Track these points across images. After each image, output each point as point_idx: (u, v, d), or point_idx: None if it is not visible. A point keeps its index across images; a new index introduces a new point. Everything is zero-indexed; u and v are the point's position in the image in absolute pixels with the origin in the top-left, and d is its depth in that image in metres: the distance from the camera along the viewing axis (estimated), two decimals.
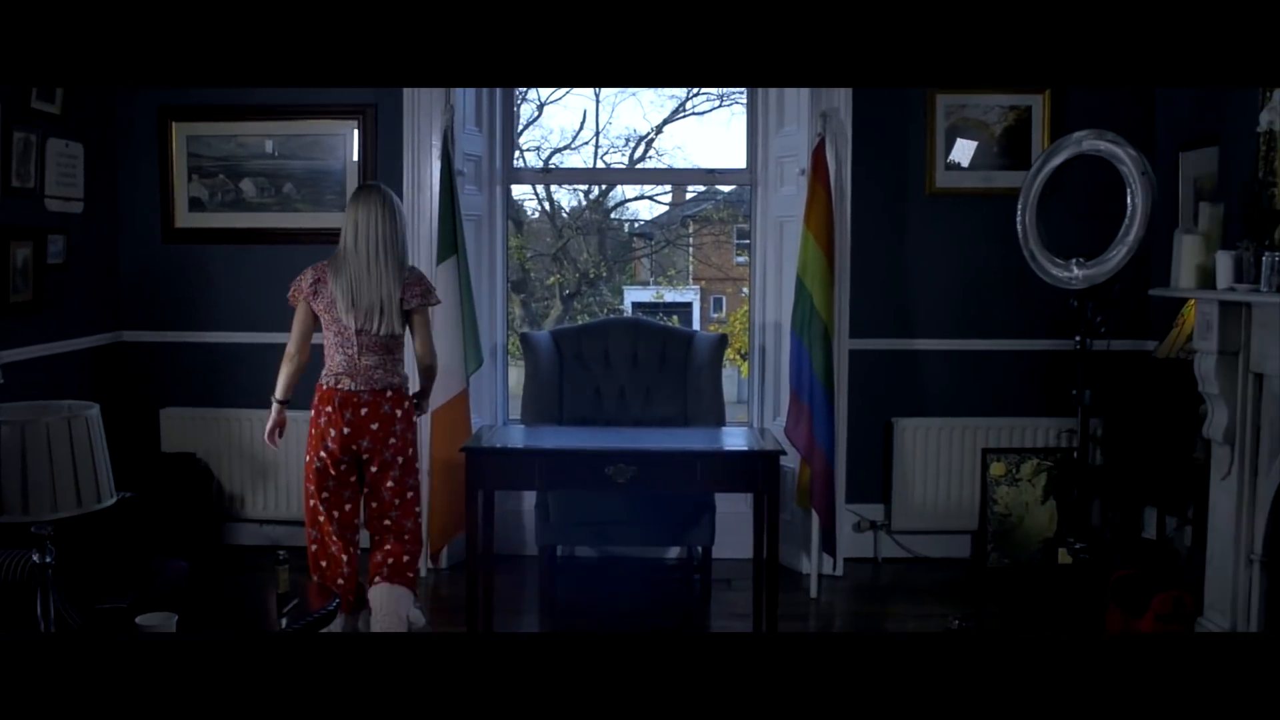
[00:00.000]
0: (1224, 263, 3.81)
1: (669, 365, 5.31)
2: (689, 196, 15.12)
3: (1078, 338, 4.08)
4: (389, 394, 4.10)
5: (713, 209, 14.66)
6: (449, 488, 5.01)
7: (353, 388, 4.08)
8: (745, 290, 14.92)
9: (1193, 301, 4.42)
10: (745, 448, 4.26)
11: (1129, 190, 3.60)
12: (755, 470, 4.07)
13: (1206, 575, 4.13)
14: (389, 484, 4.14)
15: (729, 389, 5.31)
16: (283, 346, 5.48)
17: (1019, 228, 3.97)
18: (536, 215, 14.26)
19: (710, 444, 4.36)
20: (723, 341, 5.25)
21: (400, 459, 4.12)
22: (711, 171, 5.71)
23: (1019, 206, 3.98)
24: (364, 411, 4.07)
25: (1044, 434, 5.34)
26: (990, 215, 5.33)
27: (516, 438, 4.44)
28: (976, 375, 5.41)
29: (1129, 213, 3.60)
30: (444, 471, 5.03)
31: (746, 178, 5.63)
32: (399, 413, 4.11)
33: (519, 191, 14.36)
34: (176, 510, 5.23)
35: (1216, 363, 3.88)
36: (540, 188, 13.11)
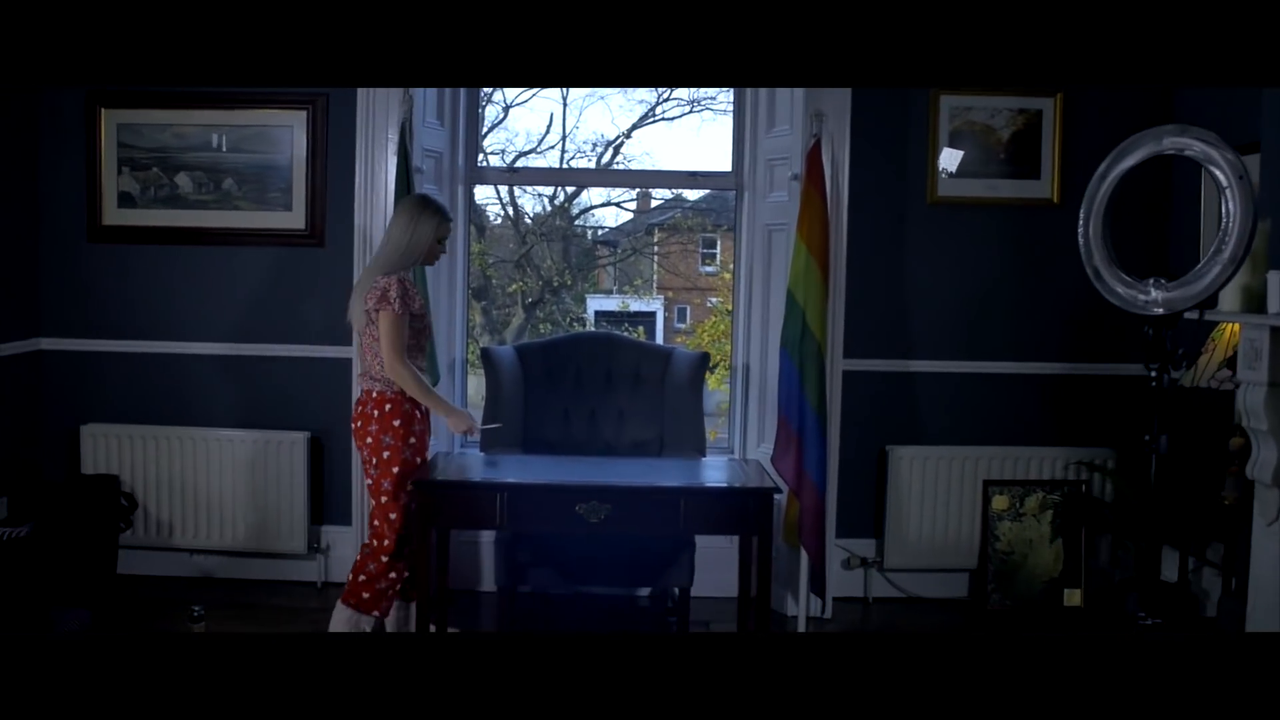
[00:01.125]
0: (1277, 284, 3.35)
1: (644, 385, 4.79)
2: (655, 204, 14.63)
3: (1153, 372, 3.55)
4: (367, 393, 3.99)
5: (681, 217, 14.16)
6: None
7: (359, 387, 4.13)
8: (712, 300, 14.44)
9: (1227, 326, 3.97)
10: (733, 483, 3.74)
11: (1224, 198, 3.11)
12: (746, 510, 3.56)
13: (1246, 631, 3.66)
14: (367, 484, 4.01)
15: None
16: (220, 357, 4.97)
17: (1080, 241, 3.47)
18: (499, 221, 13.71)
19: (693, 479, 3.85)
20: (704, 360, 4.74)
21: (374, 460, 3.94)
22: (694, 174, 5.20)
23: (1081, 216, 3.47)
24: (354, 411, 4.08)
25: (1050, 465, 4.87)
26: (996, 227, 4.88)
27: (474, 468, 3.90)
28: (979, 400, 4.93)
29: (1224, 225, 3.11)
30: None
31: (731, 181, 5.12)
32: (376, 414, 3.93)
33: (481, 195, 13.79)
34: (91, 541, 4.64)
35: (1266, 395, 3.41)
36: (504, 191, 12.53)
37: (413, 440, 3.98)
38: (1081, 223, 3.46)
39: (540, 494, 3.59)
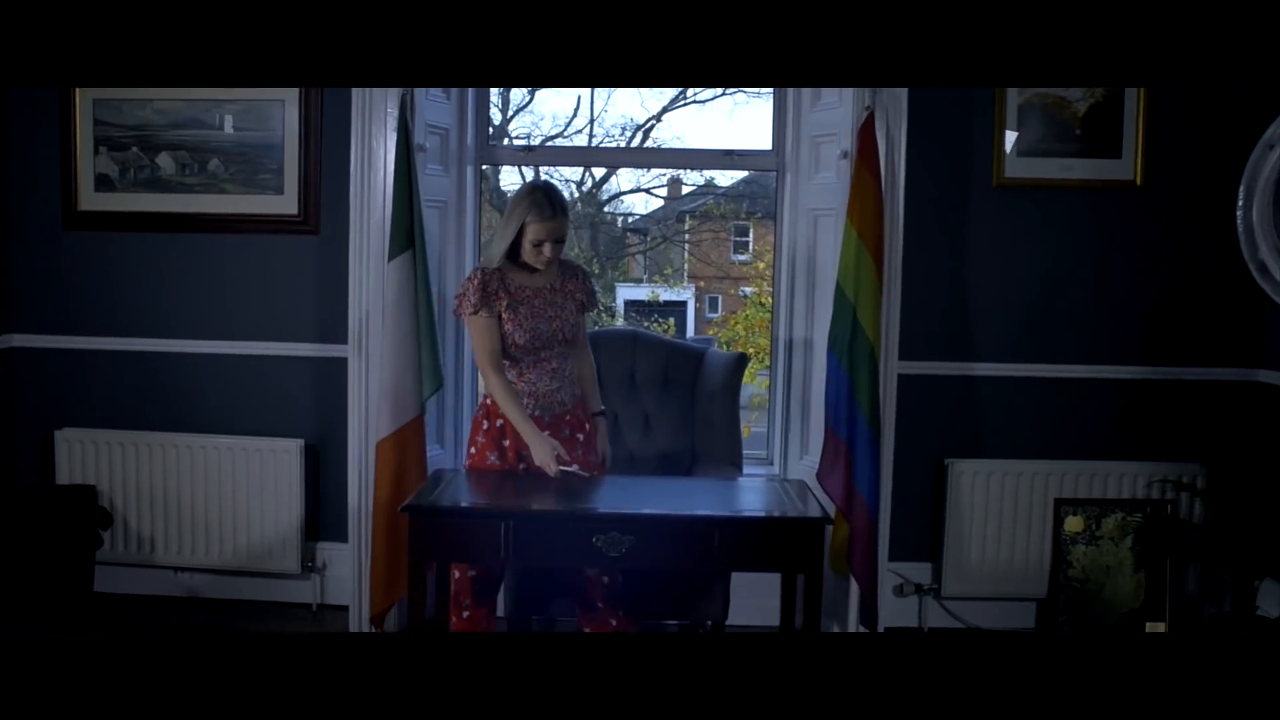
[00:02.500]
0: None
1: (673, 388, 4.22)
2: (686, 191, 14.08)
3: None
4: None
5: (713, 204, 13.58)
6: (391, 537, 3.94)
7: None
8: (745, 290, 13.85)
9: None
10: (774, 511, 3.16)
11: None
12: (791, 545, 2.98)
13: None
14: None
15: None
16: (206, 356, 4.45)
17: (1240, 227, 2.85)
18: None
19: (728, 505, 3.27)
20: (741, 363, 4.16)
21: None
22: (730, 154, 4.59)
23: (1240, 196, 2.85)
24: None
25: (1131, 482, 4.26)
26: (1070, 213, 4.27)
27: (476, 491, 3.34)
28: (1050, 408, 4.32)
29: None
30: (387, 515, 3.97)
31: (772, 161, 4.53)
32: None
33: (506, 182, 13.24)
34: (65, 556, 4.15)
35: None
36: (529, 176, 11.95)
37: (490, 458, 3.50)
38: (1241, 204, 2.84)
39: (551, 524, 3.03)
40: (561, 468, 3.31)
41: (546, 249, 3.40)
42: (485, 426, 3.56)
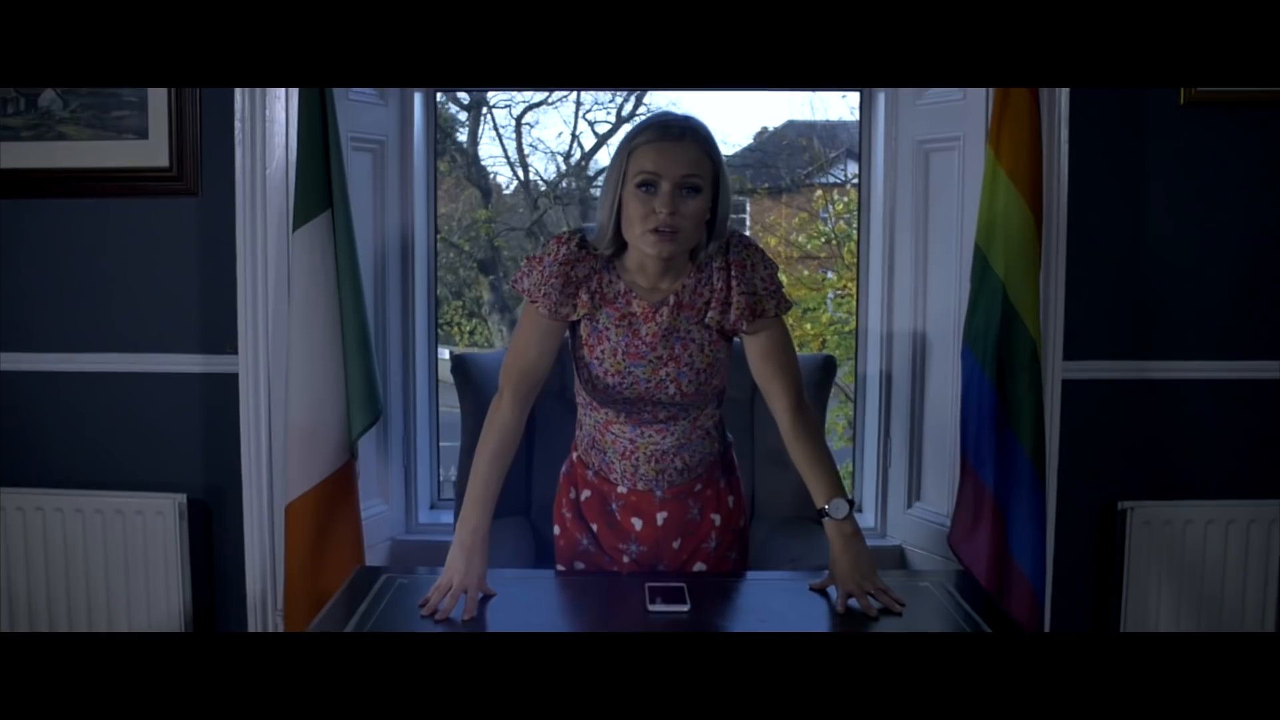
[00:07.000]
0: None
1: (723, 410, 2.80)
2: None
3: None
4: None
5: None
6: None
7: None
8: None
9: None
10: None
11: None
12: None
13: None
14: None
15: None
16: (47, 376, 3.03)
17: None
18: (511, 188, 11.82)
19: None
20: (828, 369, 2.73)
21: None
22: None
23: None
24: None
25: None
26: None
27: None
28: (1271, 425, 2.93)
29: None
30: (304, 607, 2.60)
31: None
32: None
33: (488, 155, 11.76)
34: None
35: None
36: (511, 149, 10.48)
37: (583, 543, 2.16)
38: None
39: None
40: (657, 607, 1.84)
41: (661, 202, 1.83)
42: (571, 495, 2.17)
